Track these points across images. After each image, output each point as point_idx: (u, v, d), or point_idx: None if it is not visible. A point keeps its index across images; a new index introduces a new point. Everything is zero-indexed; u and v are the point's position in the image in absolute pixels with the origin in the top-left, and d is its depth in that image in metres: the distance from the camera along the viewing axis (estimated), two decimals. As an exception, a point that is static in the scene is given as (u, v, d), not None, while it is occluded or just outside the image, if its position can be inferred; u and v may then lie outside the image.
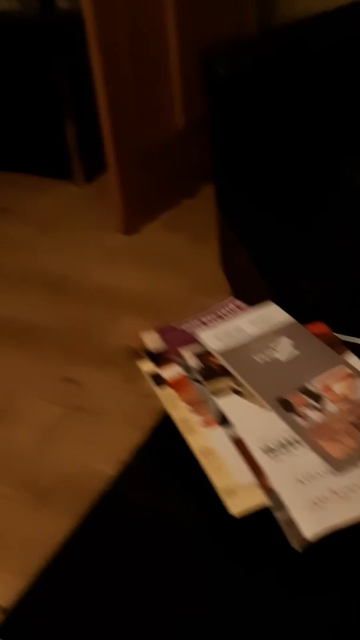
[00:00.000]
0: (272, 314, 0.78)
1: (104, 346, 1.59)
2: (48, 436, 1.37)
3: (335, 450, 0.59)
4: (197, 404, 0.67)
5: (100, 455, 1.33)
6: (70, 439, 1.36)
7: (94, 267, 1.90)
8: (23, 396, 1.48)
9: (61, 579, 0.56)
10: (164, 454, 0.67)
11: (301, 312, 0.79)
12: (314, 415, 0.64)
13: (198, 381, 0.69)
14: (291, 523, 0.54)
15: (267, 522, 0.56)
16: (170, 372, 0.71)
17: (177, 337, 0.77)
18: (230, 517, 0.56)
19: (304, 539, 0.53)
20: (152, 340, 0.76)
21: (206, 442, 0.63)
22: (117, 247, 1.99)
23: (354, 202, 0.83)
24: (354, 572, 0.53)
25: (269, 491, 0.57)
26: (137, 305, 1.72)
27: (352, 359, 0.71)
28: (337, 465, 0.58)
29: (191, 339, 0.76)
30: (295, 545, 0.53)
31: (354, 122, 0.83)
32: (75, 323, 1.68)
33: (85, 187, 2.37)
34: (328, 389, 0.67)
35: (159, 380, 0.71)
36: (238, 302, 0.82)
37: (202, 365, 0.71)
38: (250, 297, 0.85)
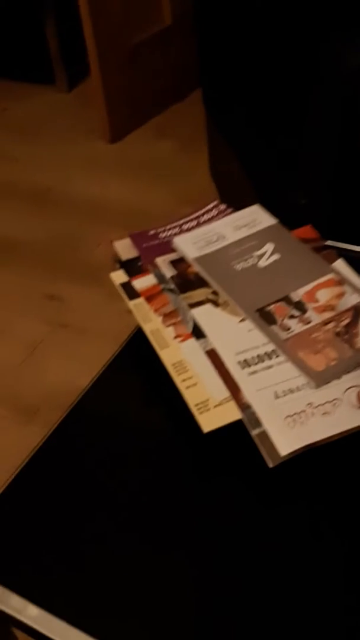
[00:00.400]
0: (257, 218, 0.71)
1: (88, 261, 1.53)
2: (32, 354, 1.34)
3: (316, 362, 0.55)
4: (171, 316, 0.62)
5: (84, 371, 1.30)
6: (55, 356, 1.33)
7: (78, 177, 1.81)
8: (6, 314, 1.43)
9: (30, 486, 0.54)
10: (136, 368, 0.63)
11: (291, 217, 0.72)
12: (296, 326, 0.59)
13: (173, 291, 0.64)
14: (267, 440, 0.50)
15: (240, 436, 0.52)
16: (144, 282, 0.66)
17: (154, 246, 0.71)
18: (202, 432, 0.53)
19: (279, 457, 0.49)
20: (125, 249, 0.70)
21: (179, 356, 0.59)
22: (103, 156, 1.89)
23: (342, 90, 0.75)
24: (322, 486, 0.50)
25: (244, 407, 0.53)
26: (123, 217, 1.64)
27: (340, 265, 0.65)
28: (318, 378, 0.54)
29: (169, 248, 0.70)
30: (269, 462, 0.49)
31: None
32: (58, 237, 1.62)
33: (68, 93, 2.23)
34: (313, 297, 0.61)
35: (131, 291, 0.66)
36: (222, 207, 0.75)
37: (177, 274, 0.66)
38: (240, 205, 0.78)
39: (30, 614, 0.46)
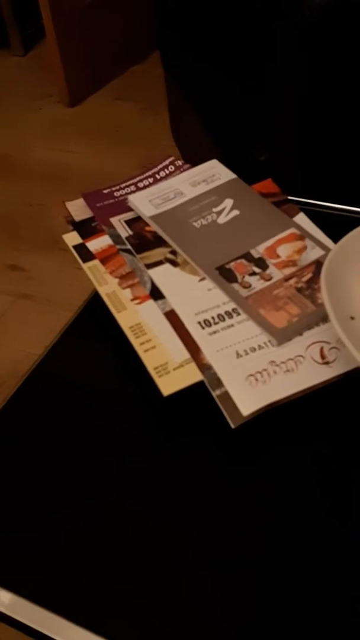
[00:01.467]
0: (215, 173, 0.69)
1: (50, 229, 1.49)
2: (-5, 326, 1.30)
3: (278, 319, 0.53)
4: (128, 278, 0.59)
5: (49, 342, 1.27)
6: (19, 328, 1.30)
7: (37, 143, 1.75)
8: (-34, 286, 1.39)
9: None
10: (93, 333, 0.61)
11: (252, 174, 0.70)
12: (257, 283, 0.57)
13: (129, 252, 0.61)
14: (229, 401, 0.49)
15: (203, 398, 0.50)
16: (99, 243, 0.63)
17: (108, 205, 0.68)
18: (161, 395, 0.51)
19: (241, 417, 0.48)
20: (78, 209, 0.67)
21: (137, 319, 0.56)
22: (62, 120, 1.83)
23: (303, 33, 0.72)
24: (287, 445, 0.48)
25: (204, 368, 0.51)
26: (85, 183, 1.60)
27: (301, 219, 0.63)
28: (280, 335, 0.52)
29: (124, 207, 0.67)
30: (232, 422, 0.47)
31: None
32: (18, 205, 1.56)
33: (24, 57, 2.15)
34: (274, 253, 0.59)
35: (85, 253, 0.63)
36: (179, 163, 0.72)
37: (133, 234, 0.63)
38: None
39: (2, 600, 0.43)
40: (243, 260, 0.59)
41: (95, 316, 0.61)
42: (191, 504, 0.46)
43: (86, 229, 0.64)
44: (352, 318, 0.49)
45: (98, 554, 0.44)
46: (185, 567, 0.43)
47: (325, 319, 0.53)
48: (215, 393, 0.49)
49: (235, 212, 0.63)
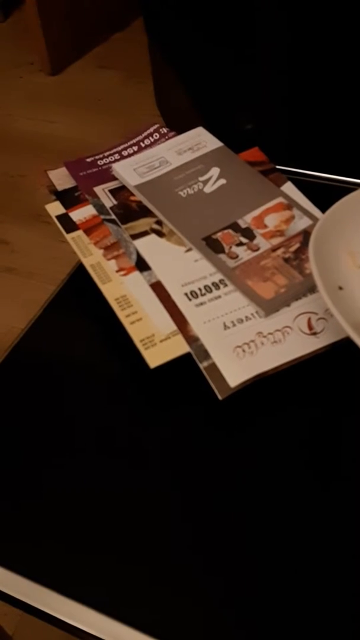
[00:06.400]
0: (202, 141, 0.67)
1: (32, 201, 1.46)
2: (-23, 300, 1.28)
3: (265, 290, 0.52)
4: (113, 249, 0.58)
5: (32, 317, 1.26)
6: (2, 302, 1.28)
7: (17, 112, 1.71)
8: None
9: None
10: (78, 305, 0.60)
11: (238, 142, 0.68)
12: (244, 253, 0.56)
13: (114, 222, 0.60)
14: (216, 372, 0.48)
15: (190, 370, 0.49)
16: (82, 213, 0.62)
17: (92, 174, 0.66)
18: (148, 368, 0.50)
19: (229, 388, 0.47)
20: (61, 178, 0.66)
21: (122, 291, 0.55)
22: (43, 89, 1.78)
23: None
24: (274, 416, 0.48)
25: (192, 340, 0.50)
26: (67, 154, 1.57)
27: (289, 188, 0.62)
28: (267, 306, 0.51)
29: (108, 175, 0.65)
30: (219, 394, 0.47)
31: None
32: (0, 176, 1.53)
33: (3, 23, 2.09)
34: (261, 223, 0.58)
35: (69, 223, 0.61)
36: (164, 130, 0.71)
37: (118, 204, 0.62)
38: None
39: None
40: (230, 231, 0.58)
41: (79, 288, 0.60)
42: (179, 476, 0.46)
43: (69, 198, 0.63)
44: (341, 288, 0.48)
45: (84, 523, 0.44)
46: (172, 535, 0.43)
47: (312, 289, 0.53)
48: (202, 365, 0.49)
49: (222, 181, 0.62)
